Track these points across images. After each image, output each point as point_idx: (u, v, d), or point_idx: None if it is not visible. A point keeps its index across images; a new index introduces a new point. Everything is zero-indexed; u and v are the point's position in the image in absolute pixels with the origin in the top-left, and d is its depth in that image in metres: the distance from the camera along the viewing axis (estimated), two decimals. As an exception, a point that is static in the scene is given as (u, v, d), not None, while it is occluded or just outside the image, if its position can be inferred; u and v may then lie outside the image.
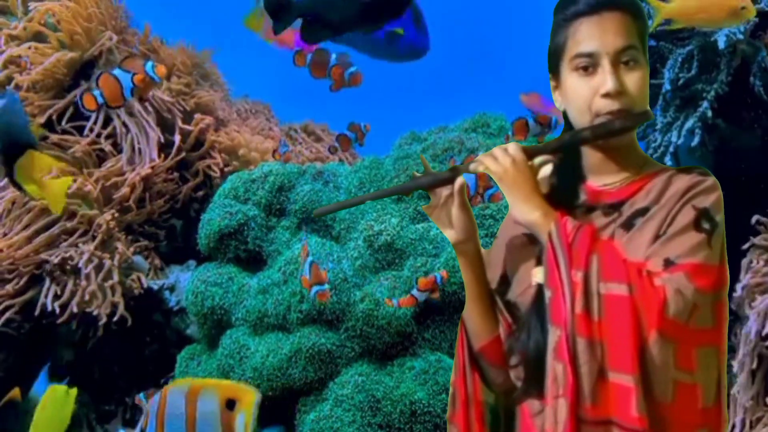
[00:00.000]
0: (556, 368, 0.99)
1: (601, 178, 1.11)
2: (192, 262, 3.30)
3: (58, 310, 2.85)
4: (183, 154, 3.33)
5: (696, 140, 2.38)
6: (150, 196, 3.21)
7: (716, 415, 1.02)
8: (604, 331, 0.98)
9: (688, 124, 2.39)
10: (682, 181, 1.05)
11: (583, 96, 1.07)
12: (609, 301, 0.98)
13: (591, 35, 1.06)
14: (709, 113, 2.36)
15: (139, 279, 3.05)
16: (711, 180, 1.05)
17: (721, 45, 2.24)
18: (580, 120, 1.08)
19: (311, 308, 2.50)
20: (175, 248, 3.39)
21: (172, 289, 3.25)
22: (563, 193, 1.10)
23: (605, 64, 1.05)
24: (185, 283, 3.13)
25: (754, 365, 2.13)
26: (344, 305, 2.51)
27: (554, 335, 1.00)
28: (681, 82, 2.35)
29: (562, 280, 1.00)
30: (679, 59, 2.32)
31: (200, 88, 3.46)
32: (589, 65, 1.06)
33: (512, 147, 1.08)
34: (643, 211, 1.05)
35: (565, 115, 1.13)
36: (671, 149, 2.39)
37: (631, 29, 1.07)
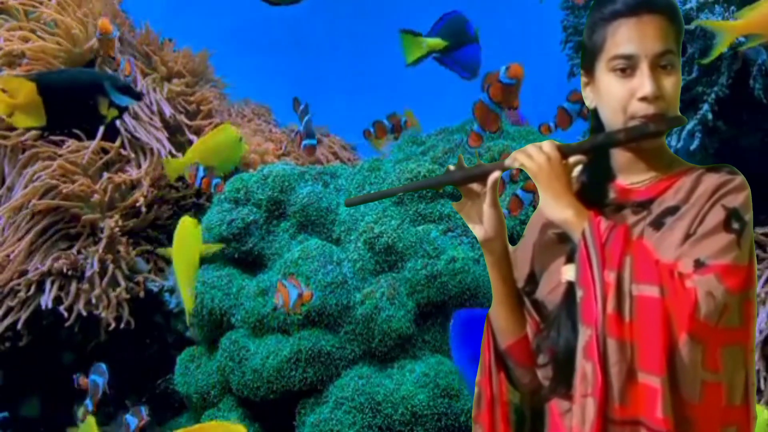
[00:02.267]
0: (585, 367, 0.99)
1: (630, 176, 1.11)
2: (192, 264, 3.30)
3: (66, 314, 2.85)
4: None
5: (696, 143, 2.38)
6: (155, 202, 3.21)
7: (744, 413, 1.02)
8: (635, 332, 0.98)
9: (688, 126, 2.39)
10: (711, 180, 1.05)
11: (619, 97, 1.07)
12: (641, 302, 0.99)
13: (630, 38, 1.07)
14: (710, 116, 2.36)
15: (142, 283, 3.05)
16: (740, 178, 1.05)
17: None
18: (614, 120, 1.09)
19: (311, 310, 2.49)
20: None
21: (171, 291, 3.25)
22: (593, 192, 1.11)
23: (644, 68, 1.06)
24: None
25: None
26: (344, 307, 2.51)
27: (584, 335, 1.00)
28: (681, 84, 2.34)
29: (594, 280, 1.01)
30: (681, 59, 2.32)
31: (201, 88, 3.46)
32: (627, 67, 1.07)
33: (547, 145, 1.09)
34: (672, 210, 1.05)
35: (594, 112, 1.13)
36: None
37: (669, 33, 1.07)
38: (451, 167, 1.15)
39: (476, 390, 1.18)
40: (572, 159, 1.09)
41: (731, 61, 2.35)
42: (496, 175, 1.12)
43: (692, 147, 2.37)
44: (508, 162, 1.11)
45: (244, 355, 2.59)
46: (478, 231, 1.14)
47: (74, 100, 2.17)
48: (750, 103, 2.38)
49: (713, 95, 2.36)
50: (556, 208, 1.06)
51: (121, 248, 3.00)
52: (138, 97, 2.28)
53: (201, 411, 2.70)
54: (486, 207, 1.12)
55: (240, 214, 2.79)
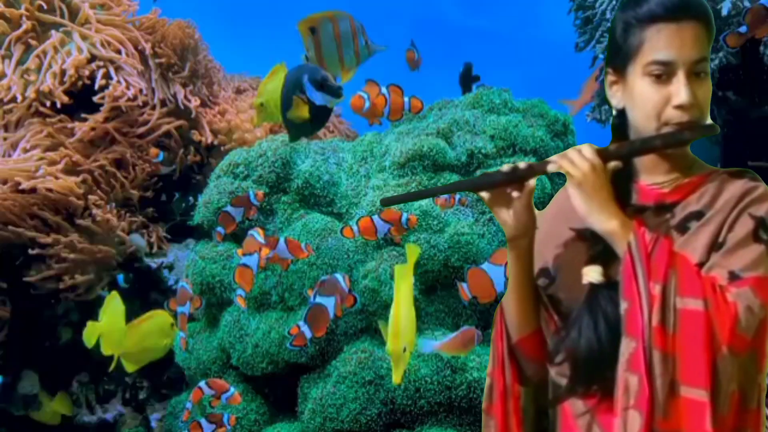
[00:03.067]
0: (629, 379, 0.99)
1: (653, 177, 1.11)
2: (190, 241, 3.27)
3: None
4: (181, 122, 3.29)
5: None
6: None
7: (757, 416, 1.04)
8: (678, 345, 0.99)
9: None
10: (735, 187, 1.06)
11: (653, 103, 1.07)
12: (685, 315, 0.99)
13: (670, 44, 1.06)
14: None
15: (136, 254, 3.03)
16: (763, 187, 1.06)
17: (725, 11, 2.19)
18: (646, 125, 1.08)
19: (313, 285, 2.46)
20: (174, 227, 3.35)
21: (170, 267, 3.22)
22: (616, 192, 1.09)
23: (680, 75, 1.05)
24: (184, 262, 3.10)
25: None
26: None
27: (629, 346, 1.00)
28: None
29: (640, 292, 1.01)
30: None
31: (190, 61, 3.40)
32: (663, 73, 1.06)
33: (587, 150, 1.07)
34: (697, 215, 1.06)
35: (620, 111, 1.12)
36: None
37: (705, 40, 1.07)
38: (505, 168, 1.12)
39: (488, 381, 1.18)
40: (611, 165, 1.07)
41: (737, 26, 2.31)
42: (533, 183, 1.11)
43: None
44: (551, 168, 1.09)
45: (245, 330, 2.57)
46: (508, 228, 1.13)
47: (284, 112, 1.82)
48: (760, 72, 2.35)
49: (717, 61, 2.32)
50: (601, 218, 1.05)
51: (110, 216, 2.96)
52: (337, 94, 1.83)
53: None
54: (521, 209, 1.11)
55: (239, 188, 2.75)
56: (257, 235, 2.31)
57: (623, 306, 1.02)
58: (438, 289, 2.53)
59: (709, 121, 1.10)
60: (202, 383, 2.32)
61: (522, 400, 1.16)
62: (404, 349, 1.41)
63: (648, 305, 1.00)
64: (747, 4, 2.26)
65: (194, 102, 3.31)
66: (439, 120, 2.84)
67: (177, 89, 3.30)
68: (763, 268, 1.01)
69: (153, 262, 3.17)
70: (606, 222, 1.05)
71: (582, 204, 1.06)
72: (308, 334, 2.13)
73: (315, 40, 1.93)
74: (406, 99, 2.16)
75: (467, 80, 3.32)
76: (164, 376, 3.07)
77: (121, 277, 2.96)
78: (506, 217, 1.12)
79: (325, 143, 3.01)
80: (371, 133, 2.96)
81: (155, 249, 3.19)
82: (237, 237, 2.76)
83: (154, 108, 3.20)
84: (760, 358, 1.03)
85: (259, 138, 3.25)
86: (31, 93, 2.93)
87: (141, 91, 3.08)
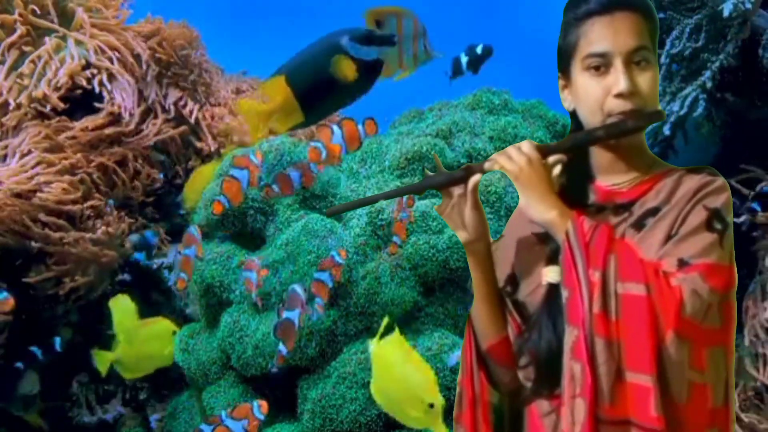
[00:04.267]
0: (573, 368, 0.99)
1: (610, 177, 1.11)
2: (190, 241, 3.27)
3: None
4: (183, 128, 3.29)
5: (700, 110, 2.34)
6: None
7: (725, 415, 1.03)
8: (622, 331, 0.98)
9: (687, 93, 2.35)
10: (692, 182, 1.05)
11: (595, 96, 1.07)
12: (627, 301, 0.98)
13: (604, 35, 1.06)
14: (709, 83, 2.32)
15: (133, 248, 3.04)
16: (720, 180, 1.05)
17: (726, 13, 2.19)
18: (592, 120, 1.08)
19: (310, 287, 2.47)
20: (174, 227, 3.36)
21: (170, 267, 3.23)
22: (573, 193, 1.10)
23: (618, 65, 1.06)
24: (184, 263, 3.10)
25: None
26: (346, 282, 2.48)
27: (571, 335, 1.00)
28: (688, 52, 2.31)
29: (579, 280, 1.00)
30: (687, 29, 2.28)
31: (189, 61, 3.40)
32: (601, 65, 1.07)
33: (526, 145, 1.08)
34: (653, 211, 1.05)
35: (573, 114, 1.13)
36: (672, 119, 2.35)
37: (643, 29, 1.07)
38: (429, 172, 1.15)
39: (458, 389, 1.18)
40: (552, 158, 1.08)
41: (738, 29, 2.31)
42: (477, 178, 1.11)
43: (696, 114, 2.33)
44: (488, 165, 1.10)
45: (245, 331, 2.57)
46: (461, 234, 1.13)
47: (321, 80, 1.69)
48: (759, 74, 2.35)
49: (717, 63, 2.32)
50: (539, 209, 1.05)
51: (111, 218, 2.97)
52: (390, 41, 1.67)
53: (202, 387, 2.69)
54: (468, 210, 1.12)
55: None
56: (253, 155, 2.23)
57: (564, 295, 1.02)
58: (437, 290, 2.54)
59: (656, 108, 1.08)
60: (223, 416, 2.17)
61: (492, 407, 1.16)
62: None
63: (588, 292, 0.99)
64: (749, 6, 2.26)
65: (193, 106, 3.31)
66: (439, 121, 2.85)
67: (176, 93, 3.31)
68: (715, 255, 1.00)
69: (153, 262, 3.18)
70: (545, 213, 1.05)
71: (522, 198, 1.07)
72: (284, 351, 2.17)
73: None
74: (360, 127, 2.08)
75: (477, 62, 3.28)
76: (164, 376, 3.07)
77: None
78: (457, 221, 1.13)
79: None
80: (370, 133, 2.96)
81: (155, 250, 3.19)
82: (238, 237, 2.76)
83: (151, 113, 3.20)
84: (723, 352, 1.01)
85: (258, 139, 3.26)
86: (23, 99, 2.92)
87: (131, 112, 3.06)
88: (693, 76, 2.35)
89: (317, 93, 1.73)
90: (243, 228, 2.75)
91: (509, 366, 1.14)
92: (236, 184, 2.17)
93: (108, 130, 3.08)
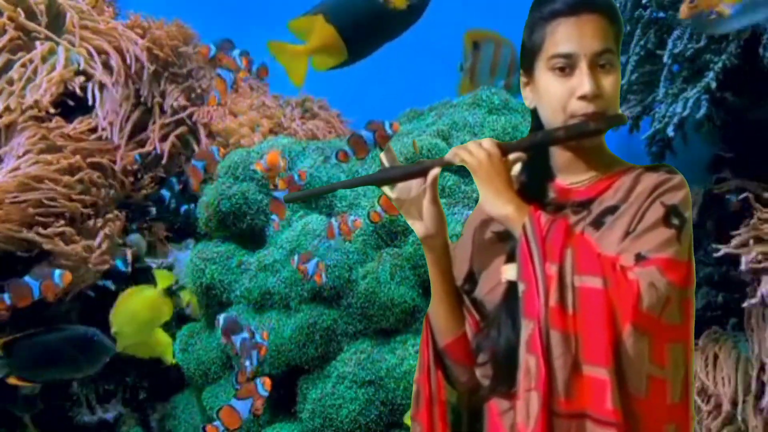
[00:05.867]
0: (528, 361, 0.99)
1: (570, 176, 1.12)
2: (190, 241, 3.27)
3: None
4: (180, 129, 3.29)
5: (702, 111, 2.33)
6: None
7: (684, 412, 1.04)
8: (579, 325, 0.98)
9: (691, 94, 2.34)
10: (650, 179, 1.06)
11: (558, 96, 1.08)
12: (584, 294, 0.98)
13: (569, 36, 1.07)
14: (713, 84, 2.32)
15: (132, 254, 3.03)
16: (679, 177, 1.06)
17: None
18: (553, 120, 1.09)
19: (313, 286, 2.47)
20: (173, 228, 3.36)
21: (170, 268, 3.22)
22: (532, 191, 1.11)
23: (583, 67, 1.06)
24: (183, 263, 3.10)
25: None
26: (346, 282, 2.48)
27: (527, 328, 1.00)
28: (690, 53, 2.31)
29: (536, 274, 1.00)
30: (688, 30, 2.28)
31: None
32: (566, 66, 1.07)
33: (487, 141, 1.09)
34: (612, 209, 1.06)
35: (534, 112, 1.14)
36: (675, 120, 2.34)
37: (608, 33, 1.08)
38: (386, 165, 1.15)
39: (414, 388, 1.17)
40: (512, 156, 1.09)
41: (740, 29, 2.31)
42: (436, 171, 1.12)
43: (698, 116, 2.32)
44: (448, 157, 1.11)
45: (244, 331, 2.57)
46: (418, 228, 1.13)
47: (368, 13, 1.65)
48: (760, 74, 2.34)
49: (720, 64, 2.32)
50: (497, 204, 1.06)
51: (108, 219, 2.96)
52: None
53: (202, 387, 2.69)
54: (426, 203, 1.12)
55: (239, 189, 2.75)
56: (236, 56, 2.18)
57: (521, 289, 1.02)
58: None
59: (617, 111, 1.09)
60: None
61: (449, 406, 1.15)
62: None
63: (544, 286, 0.99)
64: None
65: (192, 106, 3.31)
66: (439, 120, 2.85)
67: (174, 93, 3.30)
68: (672, 250, 1.01)
69: (153, 262, 3.17)
70: (501, 207, 1.05)
71: (480, 192, 1.07)
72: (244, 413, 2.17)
73: (474, 55, 1.87)
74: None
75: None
76: (164, 376, 3.07)
77: (119, 263, 2.93)
78: (414, 215, 1.13)
79: (325, 143, 3.02)
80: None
81: (155, 249, 3.19)
82: (238, 237, 2.76)
83: (150, 113, 3.19)
84: (682, 348, 1.02)
85: (257, 139, 3.26)
86: (13, 103, 2.91)
87: (112, 137, 3.06)
88: (695, 76, 2.34)
89: (364, 28, 1.71)
90: (243, 228, 2.75)
91: (467, 364, 1.14)
92: (223, 84, 2.14)
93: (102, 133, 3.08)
